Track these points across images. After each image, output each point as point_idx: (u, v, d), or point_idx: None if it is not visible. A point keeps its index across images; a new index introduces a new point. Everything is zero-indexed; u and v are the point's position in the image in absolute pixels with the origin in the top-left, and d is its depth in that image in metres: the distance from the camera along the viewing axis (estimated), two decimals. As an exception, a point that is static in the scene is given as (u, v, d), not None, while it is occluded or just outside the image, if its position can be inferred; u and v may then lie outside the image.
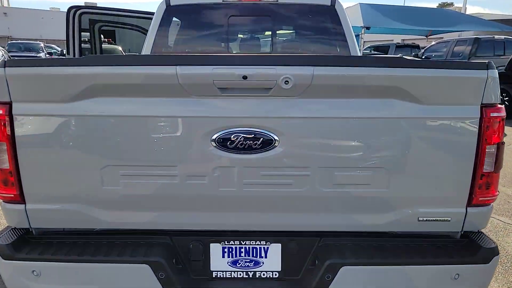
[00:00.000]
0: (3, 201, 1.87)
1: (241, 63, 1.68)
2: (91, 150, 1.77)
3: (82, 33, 4.69)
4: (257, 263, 1.94)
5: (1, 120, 1.72)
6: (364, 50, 19.52)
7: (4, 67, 1.66)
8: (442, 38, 20.81)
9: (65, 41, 4.60)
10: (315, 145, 1.77)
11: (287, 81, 1.64)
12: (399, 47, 20.38)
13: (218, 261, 1.94)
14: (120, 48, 11.61)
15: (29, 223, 1.87)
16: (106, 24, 5.08)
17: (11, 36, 40.75)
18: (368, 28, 18.17)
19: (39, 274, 1.81)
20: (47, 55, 24.07)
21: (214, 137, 1.72)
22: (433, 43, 18.22)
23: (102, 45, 5.42)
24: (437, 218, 1.85)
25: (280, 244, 1.93)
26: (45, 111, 1.72)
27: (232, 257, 1.94)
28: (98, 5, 7.99)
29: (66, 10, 4.57)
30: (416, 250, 1.90)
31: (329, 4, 3.61)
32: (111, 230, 1.93)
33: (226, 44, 3.83)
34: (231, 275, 1.94)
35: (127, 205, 1.85)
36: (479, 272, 1.86)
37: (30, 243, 1.90)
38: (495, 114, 1.74)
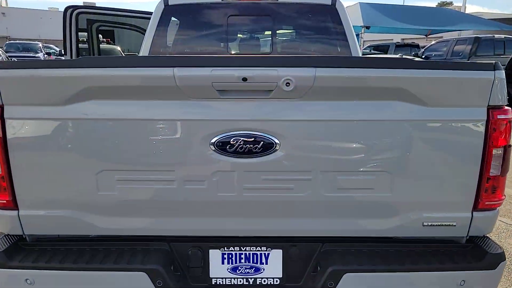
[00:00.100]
0: None
1: (241, 64, 1.64)
2: (86, 155, 1.72)
3: (80, 33, 4.65)
4: (257, 270, 1.90)
5: None
6: (363, 49, 19.54)
7: None
8: (441, 37, 20.87)
9: (62, 42, 4.57)
10: (317, 149, 1.73)
11: (289, 83, 1.59)
12: (399, 46, 20.50)
13: (218, 267, 1.89)
14: (119, 48, 11.53)
15: (23, 229, 1.83)
16: (104, 24, 5.05)
17: (9, 36, 40.69)
18: (368, 27, 18.20)
19: (33, 283, 1.76)
20: (45, 55, 24.07)
21: (213, 140, 1.68)
22: (433, 42, 18.28)
23: (100, 46, 5.40)
24: (442, 223, 1.81)
25: (281, 250, 1.89)
26: (38, 114, 1.68)
27: (232, 263, 1.90)
28: (96, 5, 7.96)
29: (64, 10, 4.54)
30: (420, 256, 1.86)
31: (330, 3, 3.58)
32: (107, 236, 1.89)
33: (225, 44, 3.79)
34: (231, 282, 1.89)
35: (124, 211, 1.81)
36: (485, 278, 1.83)
37: (24, 250, 1.85)
38: (502, 116, 1.70)
